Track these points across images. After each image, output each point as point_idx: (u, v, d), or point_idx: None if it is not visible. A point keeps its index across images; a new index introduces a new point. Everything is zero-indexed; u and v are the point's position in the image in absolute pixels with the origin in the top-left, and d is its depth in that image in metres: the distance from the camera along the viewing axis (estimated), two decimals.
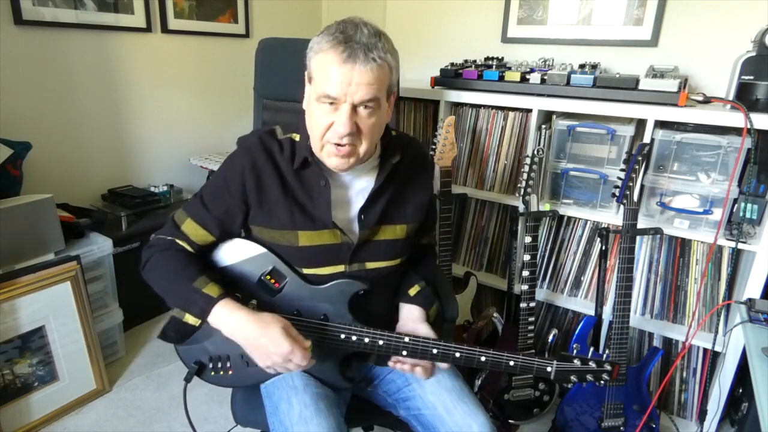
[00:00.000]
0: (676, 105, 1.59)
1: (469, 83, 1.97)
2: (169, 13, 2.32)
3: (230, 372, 1.08)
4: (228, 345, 1.06)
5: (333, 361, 1.08)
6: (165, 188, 2.32)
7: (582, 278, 1.92)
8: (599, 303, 1.77)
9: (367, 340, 1.04)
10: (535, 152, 1.66)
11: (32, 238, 1.70)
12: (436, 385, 1.09)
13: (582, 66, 1.85)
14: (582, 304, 1.91)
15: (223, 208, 1.05)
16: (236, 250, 1.09)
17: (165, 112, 2.44)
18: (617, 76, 1.71)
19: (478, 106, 1.99)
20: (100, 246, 1.91)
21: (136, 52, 2.26)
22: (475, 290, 2.01)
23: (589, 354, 1.47)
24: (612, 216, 1.77)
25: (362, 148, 0.98)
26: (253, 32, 2.69)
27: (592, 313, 1.80)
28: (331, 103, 0.94)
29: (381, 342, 1.04)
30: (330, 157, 0.99)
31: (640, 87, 1.66)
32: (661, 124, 1.64)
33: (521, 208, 1.67)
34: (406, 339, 1.03)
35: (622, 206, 1.56)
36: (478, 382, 1.75)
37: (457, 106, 2.04)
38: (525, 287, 1.68)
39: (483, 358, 1.03)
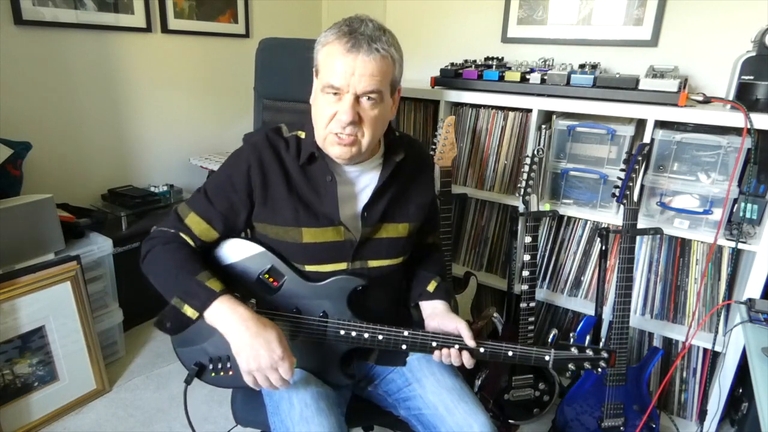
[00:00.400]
0: (676, 105, 1.59)
1: (469, 83, 1.97)
2: (169, 13, 2.32)
3: (230, 372, 1.08)
4: (227, 345, 1.06)
5: (334, 357, 1.08)
6: (165, 188, 2.32)
7: (582, 278, 1.92)
8: (599, 303, 1.77)
9: (366, 335, 1.04)
10: (535, 152, 1.66)
11: (32, 238, 1.70)
12: (436, 385, 1.09)
13: (582, 66, 1.85)
14: (582, 304, 1.91)
15: (228, 204, 1.05)
16: (234, 249, 1.09)
17: (165, 112, 2.44)
18: (617, 76, 1.71)
19: (478, 106, 1.99)
20: (100, 246, 1.91)
21: (136, 52, 2.26)
22: (475, 290, 2.01)
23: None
24: (612, 216, 1.77)
25: (364, 140, 0.99)
26: (253, 32, 2.69)
27: (592, 313, 1.80)
28: (335, 94, 0.96)
29: (380, 337, 1.04)
30: (333, 146, 1.00)
31: (640, 87, 1.66)
32: (661, 124, 1.64)
33: (521, 208, 1.67)
34: (405, 333, 1.03)
35: (622, 206, 1.56)
36: (478, 382, 1.75)
37: (457, 106, 2.04)
38: (525, 287, 1.68)
39: (482, 350, 1.03)
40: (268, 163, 1.05)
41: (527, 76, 1.86)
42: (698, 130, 1.61)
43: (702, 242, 1.68)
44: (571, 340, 1.06)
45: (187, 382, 1.08)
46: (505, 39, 2.35)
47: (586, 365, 1.03)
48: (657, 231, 1.61)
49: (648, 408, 1.59)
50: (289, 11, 2.86)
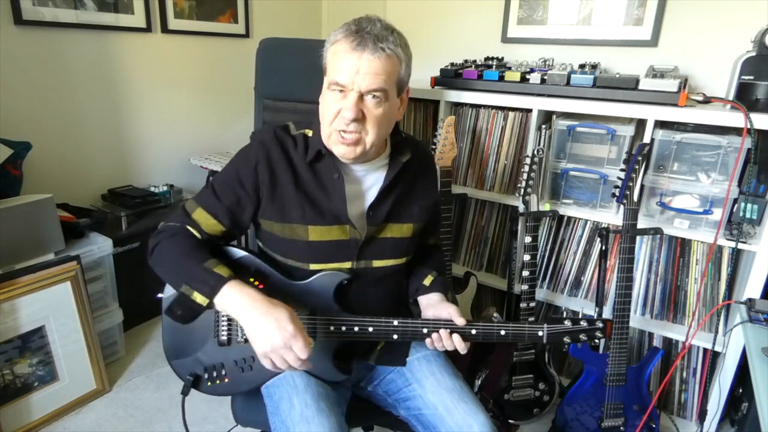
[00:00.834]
0: (676, 105, 1.59)
1: (469, 83, 1.97)
2: (169, 13, 2.32)
3: (226, 380, 1.08)
4: (221, 352, 1.07)
5: (326, 354, 1.08)
6: (165, 188, 2.32)
7: (582, 278, 1.92)
8: (599, 303, 1.77)
9: (356, 328, 1.04)
10: (535, 152, 1.66)
11: (32, 238, 1.70)
12: (436, 385, 1.09)
13: (582, 66, 1.85)
14: (582, 304, 1.91)
15: (234, 199, 1.06)
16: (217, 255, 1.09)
17: (165, 112, 2.44)
18: (617, 76, 1.71)
19: (478, 106, 1.99)
20: (100, 246, 1.91)
21: (136, 52, 2.26)
22: (475, 290, 2.01)
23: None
24: (612, 216, 1.77)
25: (368, 138, 1.00)
26: (253, 32, 2.69)
27: (592, 313, 1.80)
28: (341, 91, 0.97)
29: (371, 329, 1.04)
30: (337, 144, 1.01)
31: (640, 87, 1.66)
32: (661, 124, 1.64)
33: (521, 208, 1.67)
34: (395, 322, 1.03)
35: (622, 206, 1.56)
36: (478, 382, 1.75)
37: (457, 106, 2.04)
38: (525, 287, 1.68)
39: (474, 332, 1.03)
40: (276, 160, 1.05)
41: (527, 76, 1.86)
42: (698, 130, 1.61)
43: (702, 242, 1.68)
44: (564, 314, 1.04)
45: (184, 393, 1.09)
46: (505, 39, 2.35)
47: (582, 337, 1.02)
48: (657, 231, 1.61)
49: (648, 408, 1.59)
50: (289, 11, 2.86)
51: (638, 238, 1.68)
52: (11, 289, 1.61)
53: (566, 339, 1.02)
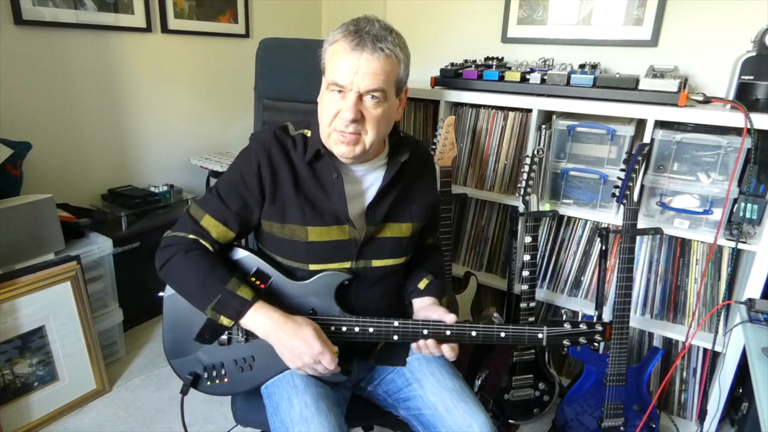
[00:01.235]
0: (676, 105, 1.59)
1: (469, 83, 1.97)
2: (169, 13, 2.32)
3: (226, 379, 1.09)
4: (221, 352, 1.07)
5: None
6: (165, 188, 2.32)
7: (582, 278, 1.92)
8: (599, 303, 1.77)
9: (357, 329, 1.05)
10: (535, 152, 1.66)
11: (32, 238, 1.70)
12: (436, 385, 1.09)
13: (582, 66, 1.85)
14: (582, 304, 1.91)
15: (242, 202, 1.06)
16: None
17: (165, 112, 2.44)
18: (617, 76, 1.71)
19: (478, 106, 1.99)
20: (100, 246, 1.91)
21: (136, 52, 2.26)
22: (475, 290, 2.01)
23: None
24: (612, 216, 1.77)
25: (367, 138, 1.00)
26: (253, 32, 2.69)
27: (592, 313, 1.80)
28: (340, 91, 0.97)
29: (371, 329, 1.04)
30: (336, 144, 1.01)
31: (640, 87, 1.66)
32: (661, 124, 1.64)
33: (521, 208, 1.67)
34: (396, 323, 1.03)
35: (622, 206, 1.56)
36: (478, 382, 1.75)
37: (457, 106, 2.04)
38: (525, 287, 1.68)
39: (474, 333, 1.03)
40: (277, 160, 1.05)
41: (527, 76, 1.86)
42: (698, 130, 1.61)
43: (702, 242, 1.68)
44: (564, 316, 1.05)
45: (183, 392, 1.09)
46: (505, 39, 2.35)
47: (581, 340, 1.02)
48: (657, 231, 1.61)
49: (648, 408, 1.59)
50: (289, 11, 2.87)
51: (638, 238, 1.68)
52: (11, 289, 1.61)
53: (565, 342, 1.02)
